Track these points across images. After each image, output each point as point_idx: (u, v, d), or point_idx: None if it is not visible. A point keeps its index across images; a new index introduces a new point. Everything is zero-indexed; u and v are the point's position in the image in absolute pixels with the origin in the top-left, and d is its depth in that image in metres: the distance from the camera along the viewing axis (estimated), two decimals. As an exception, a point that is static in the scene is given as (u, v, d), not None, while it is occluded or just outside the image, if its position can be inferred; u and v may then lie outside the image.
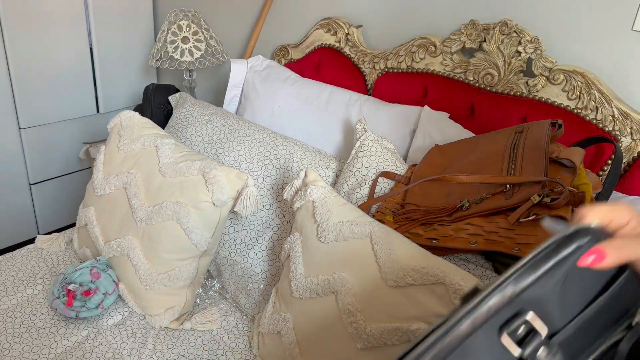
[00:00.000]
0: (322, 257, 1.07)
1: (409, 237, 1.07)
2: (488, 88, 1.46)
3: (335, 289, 1.01)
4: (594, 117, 1.30)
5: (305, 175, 1.20)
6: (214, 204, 1.22)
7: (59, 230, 1.54)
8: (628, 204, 0.49)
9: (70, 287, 1.22)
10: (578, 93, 1.32)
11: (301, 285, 1.07)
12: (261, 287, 1.30)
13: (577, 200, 0.94)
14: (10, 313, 1.23)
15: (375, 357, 0.95)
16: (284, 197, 1.22)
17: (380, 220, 1.14)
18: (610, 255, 0.43)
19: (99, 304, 1.23)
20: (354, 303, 0.98)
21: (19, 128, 2.07)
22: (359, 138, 1.35)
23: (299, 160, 1.40)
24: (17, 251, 1.45)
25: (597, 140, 1.23)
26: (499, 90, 1.44)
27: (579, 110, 1.32)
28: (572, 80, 1.32)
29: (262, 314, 1.20)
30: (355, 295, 0.99)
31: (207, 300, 1.34)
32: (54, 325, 1.22)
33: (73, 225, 1.52)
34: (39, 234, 2.22)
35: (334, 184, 1.38)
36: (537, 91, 1.38)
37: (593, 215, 0.46)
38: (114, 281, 1.27)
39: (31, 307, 1.26)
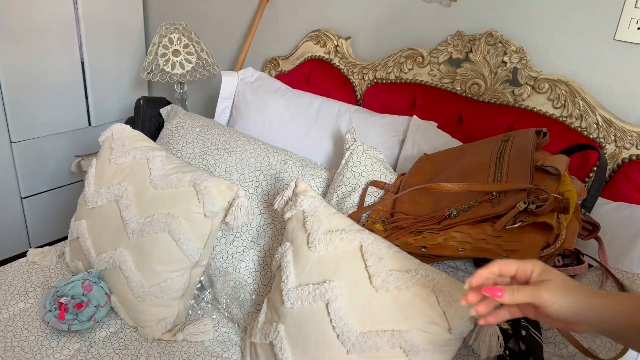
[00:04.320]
0: (312, 266, 1.08)
1: (398, 246, 1.08)
2: (475, 97, 1.49)
3: (326, 297, 1.02)
4: (578, 124, 1.32)
5: (296, 186, 1.21)
6: (205, 215, 1.23)
7: (51, 244, 1.54)
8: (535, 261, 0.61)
9: (62, 300, 1.22)
10: (563, 101, 1.34)
11: (293, 295, 1.07)
12: (253, 297, 1.30)
13: (562, 207, 0.96)
14: (2, 327, 1.23)
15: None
16: (275, 208, 1.23)
17: (370, 229, 1.15)
18: (505, 295, 0.57)
19: (91, 317, 1.23)
20: (345, 311, 0.99)
21: (10, 142, 2.07)
22: (349, 148, 1.37)
23: (289, 170, 1.41)
24: (8, 265, 1.45)
25: (582, 148, 1.26)
26: (486, 100, 1.47)
27: (564, 118, 1.34)
28: (556, 89, 1.34)
29: (254, 324, 1.20)
30: (346, 303, 1.00)
31: (199, 312, 1.34)
32: (46, 338, 1.21)
33: (65, 238, 1.52)
34: (30, 247, 2.22)
35: (324, 194, 1.40)
36: (523, 100, 1.41)
37: (497, 265, 0.61)
38: (106, 294, 1.27)
39: (23, 321, 1.26)
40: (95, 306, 1.24)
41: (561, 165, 1.07)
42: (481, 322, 0.64)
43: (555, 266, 0.99)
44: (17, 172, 2.14)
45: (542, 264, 0.59)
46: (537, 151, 1.16)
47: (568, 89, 1.33)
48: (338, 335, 0.98)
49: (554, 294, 0.56)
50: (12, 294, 1.34)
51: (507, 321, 0.98)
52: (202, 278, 1.37)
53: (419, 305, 0.95)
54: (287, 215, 1.19)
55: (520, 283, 0.62)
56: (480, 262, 1.09)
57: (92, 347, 1.20)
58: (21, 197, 2.19)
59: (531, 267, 0.60)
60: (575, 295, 0.57)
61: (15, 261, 1.47)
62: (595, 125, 1.29)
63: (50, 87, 2.12)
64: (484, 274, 0.63)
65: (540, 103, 1.38)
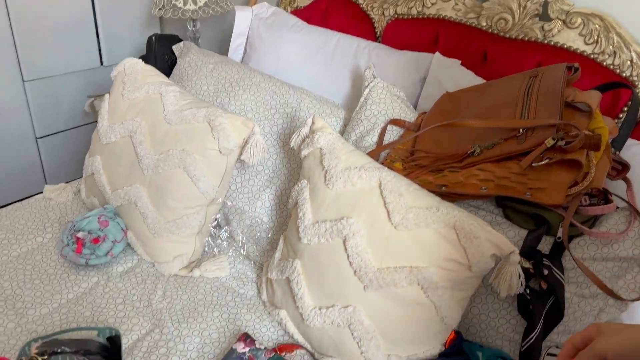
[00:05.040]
0: (330, 203, 1.06)
1: (418, 184, 1.05)
2: (502, 34, 1.41)
3: (343, 234, 1.00)
4: (611, 62, 1.25)
5: (313, 123, 1.17)
6: (220, 152, 1.21)
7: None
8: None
9: (79, 234, 1.22)
10: (595, 37, 1.27)
11: (309, 231, 1.06)
12: (269, 235, 1.30)
13: (593, 144, 0.92)
14: (21, 260, 1.24)
15: (383, 298, 0.95)
16: (291, 145, 1.20)
17: (389, 168, 1.12)
18: None
19: (108, 252, 1.24)
20: (363, 247, 0.98)
21: (23, 80, 2.04)
22: (368, 85, 1.32)
23: (306, 109, 1.37)
24: (25, 201, 1.46)
25: (614, 86, 1.19)
26: (513, 36, 1.39)
27: (595, 55, 1.27)
28: (589, 23, 1.27)
29: (270, 261, 1.20)
30: (364, 240, 0.98)
31: (215, 249, 1.34)
32: (65, 272, 1.23)
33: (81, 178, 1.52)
34: (47, 187, 2.23)
35: (341, 134, 1.36)
36: (552, 36, 1.33)
37: (569, 342, 0.64)
38: (122, 229, 1.27)
39: (41, 255, 1.27)
40: (112, 241, 1.25)
41: (593, 101, 1.02)
42: None
43: (581, 205, 0.96)
44: (31, 112, 2.12)
45: (597, 323, 0.64)
46: (568, 87, 1.10)
47: (602, 23, 1.25)
48: (355, 271, 0.97)
49: (605, 341, 0.60)
50: (30, 228, 1.34)
51: (529, 260, 0.96)
52: (218, 216, 1.37)
53: (438, 242, 0.93)
54: (304, 152, 1.16)
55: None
56: (502, 201, 1.06)
57: (110, 281, 1.22)
58: (36, 138, 2.19)
59: (589, 329, 0.63)
60: (623, 332, 0.60)
61: (32, 197, 1.48)
62: (629, 62, 1.22)
63: (61, 26, 2.06)
64: (562, 356, 0.66)
65: (571, 39, 1.31)
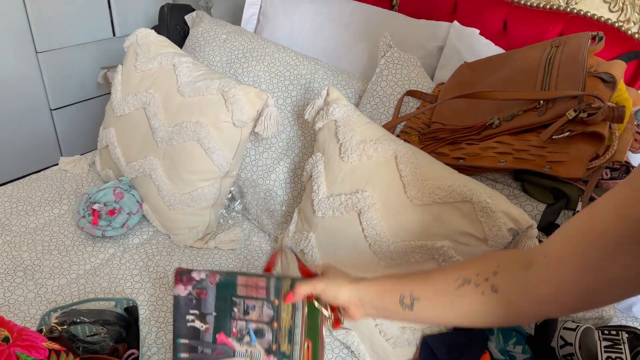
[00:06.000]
0: (344, 176, 1.05)
1: (434, 157, 1.04)
2: (522, 2, 1.37)
3: (358, 207, 1.00)
4: (636, 30, 1.21)
5: (327, 94, 1.15)
6: (234, 124, 1.20)
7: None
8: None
9: (95, 206, 1.23)
10: (621, 4, 1.22)
11: (324, 205, 1.05)
12: (283, 208, 1.30)
13: (616, 116, 0.89)
14: (39, 231, 1.26)
15: (399, 271, 0.95)
16: (305, 118, 1.19)
17: (405, 140, 1.10)
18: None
19: (124, 224, 1.25)
20: (378, 221, 0.97)
21: (36, 52, 2.04)
22: (384, 56, 1.29)
23: (320, 80, 1.35)
24: (41, 172, 1.47)
25: (638, 56, 1.15)
26: (534, 4, 1.35)
27: (620, 24, 1.23)
28: (615, -11, 1.22)
29: (285, 233, 1.20)
30: (379, 213, 0.97)
31: (230, 221, 1.35)
32: (82, 243, 1.24)
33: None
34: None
35: (357, 105, 1.34)
36: (575, 3, 1.29)
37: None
38: (137, 201, 1.28)
39: (59, 226, 1.28)
40: (128, 213, 1.25)
41: (617, 71, 0.98)
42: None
43: (602, 179, 0.94)
44: (45, 84, 2.12)
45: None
46: (590, 57, 1.06)
47: (629, -11, 1.20)
48: (370, 245, 0.97)
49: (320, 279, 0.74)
50: (47, 200, 1.36)
51: (547, 234, 0.94)
52: (232, 188, 1.37)
53: (455, 215, 0.92)
54: (318, 125, 1.14)
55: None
56: (520, 174, 1.04)
57: (127, 253, 1.23)
58: (50, 109, 2.19)
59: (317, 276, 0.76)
60: (338, 278, 0.74)
61: (48, 169, 1.49)
62: (655, 30, 1.18)
63: (72, -5, 2.04)
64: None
65: (594, 6, 1.26)
